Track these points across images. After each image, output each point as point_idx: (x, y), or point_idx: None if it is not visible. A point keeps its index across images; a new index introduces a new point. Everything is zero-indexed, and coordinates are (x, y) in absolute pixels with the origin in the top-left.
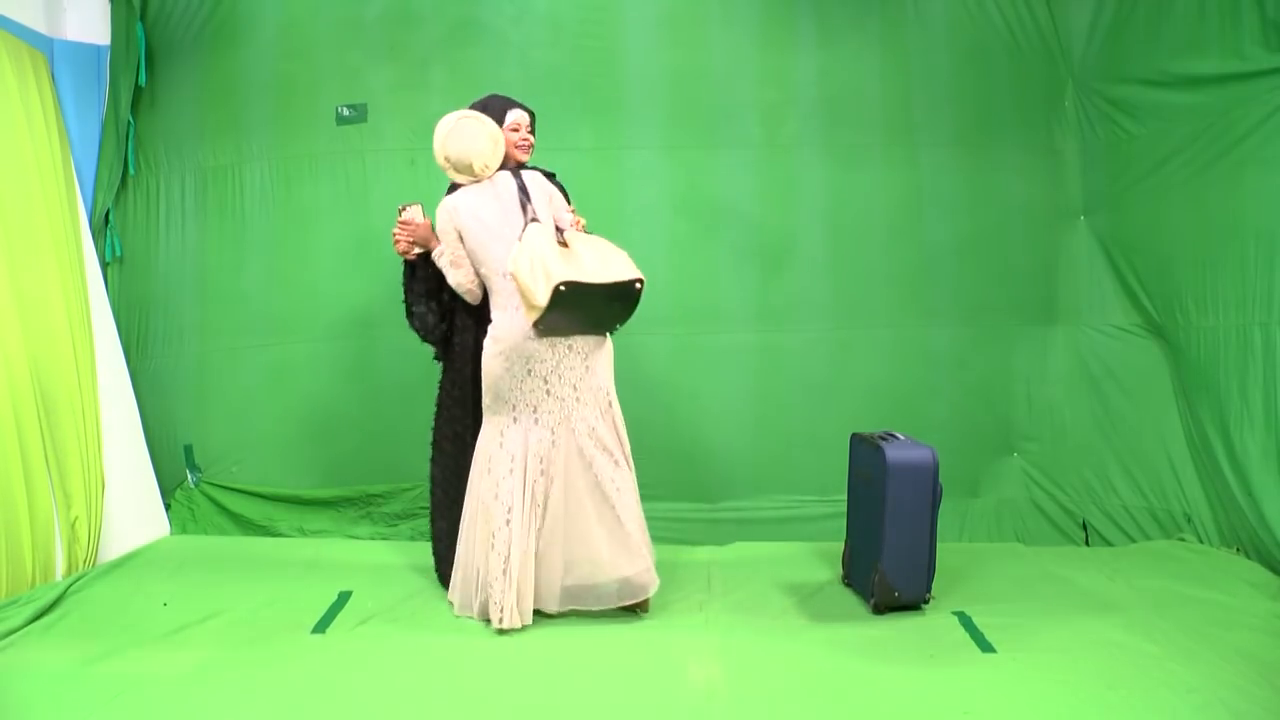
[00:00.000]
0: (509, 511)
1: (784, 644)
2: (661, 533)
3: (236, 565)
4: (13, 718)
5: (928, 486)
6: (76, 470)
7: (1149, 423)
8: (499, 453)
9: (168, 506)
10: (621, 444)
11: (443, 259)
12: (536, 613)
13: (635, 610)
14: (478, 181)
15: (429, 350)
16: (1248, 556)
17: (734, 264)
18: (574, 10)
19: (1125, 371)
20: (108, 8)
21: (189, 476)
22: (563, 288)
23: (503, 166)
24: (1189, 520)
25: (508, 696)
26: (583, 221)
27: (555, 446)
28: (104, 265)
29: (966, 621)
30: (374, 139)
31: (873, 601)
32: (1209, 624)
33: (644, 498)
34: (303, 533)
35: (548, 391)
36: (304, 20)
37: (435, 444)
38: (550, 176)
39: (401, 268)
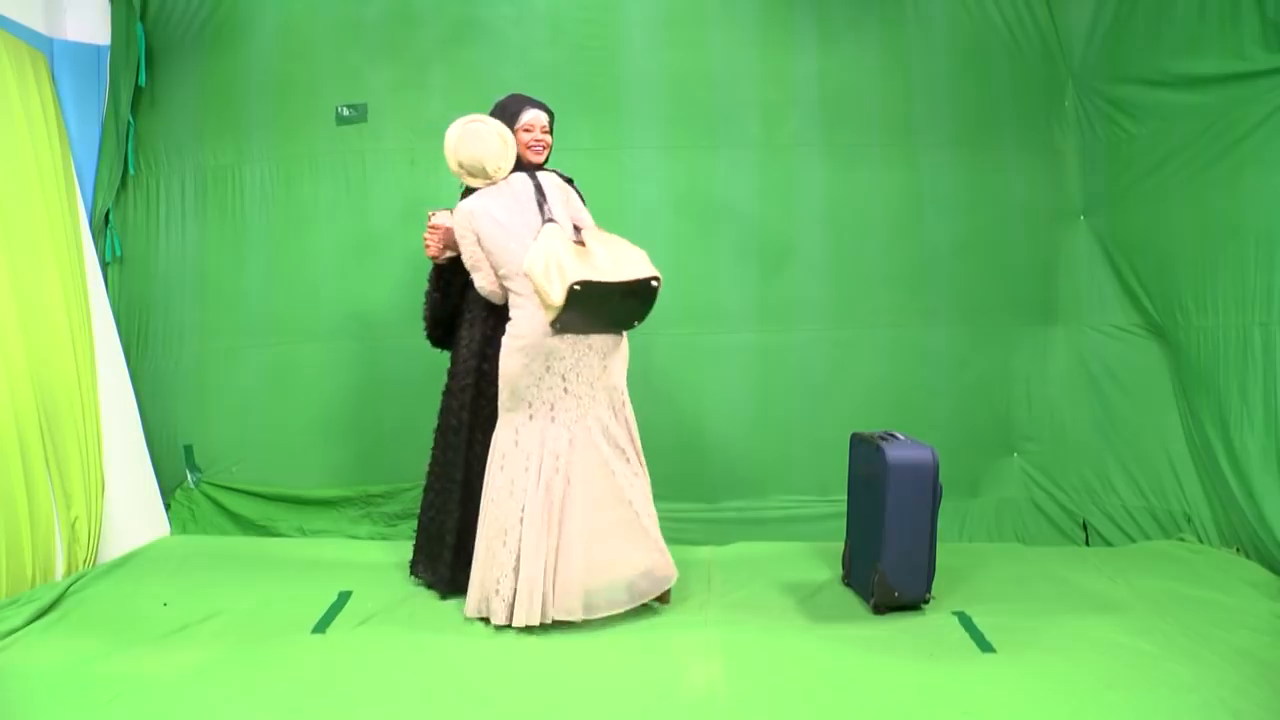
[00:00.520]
0: (523, 510)
1: (784, 644)
2: (662, 532)
3: (236, 565)
4: (13, 717)
5: (928, 486)
6: (76, 470)
7: (1149, 423)
8: (514, 450)
9: (168, 506)
10: (634, 442)
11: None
12: (557, 624)
13: (659, 602)
14: (493, 184)
15: (428, 350)
16: (1248, 556)
17: (734, 264)
18: (574, 10)
19: (1125, 371)
20: (108, 8)
21: (189, 476)
22: (577, 287)
23: (518, 167)
24: (1189, 520)
25: (508, 696)
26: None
27: (573, 446)
28: (104, 265)
29: (966, 621)
30: (374, 139)
31: (873, 601)
32: (1209, 624)
33: None
34: (303, 533)
35: (565, 390)
36: (304, 20)
37: (437, 431)
38: (569, 181)
39: (428, 271)
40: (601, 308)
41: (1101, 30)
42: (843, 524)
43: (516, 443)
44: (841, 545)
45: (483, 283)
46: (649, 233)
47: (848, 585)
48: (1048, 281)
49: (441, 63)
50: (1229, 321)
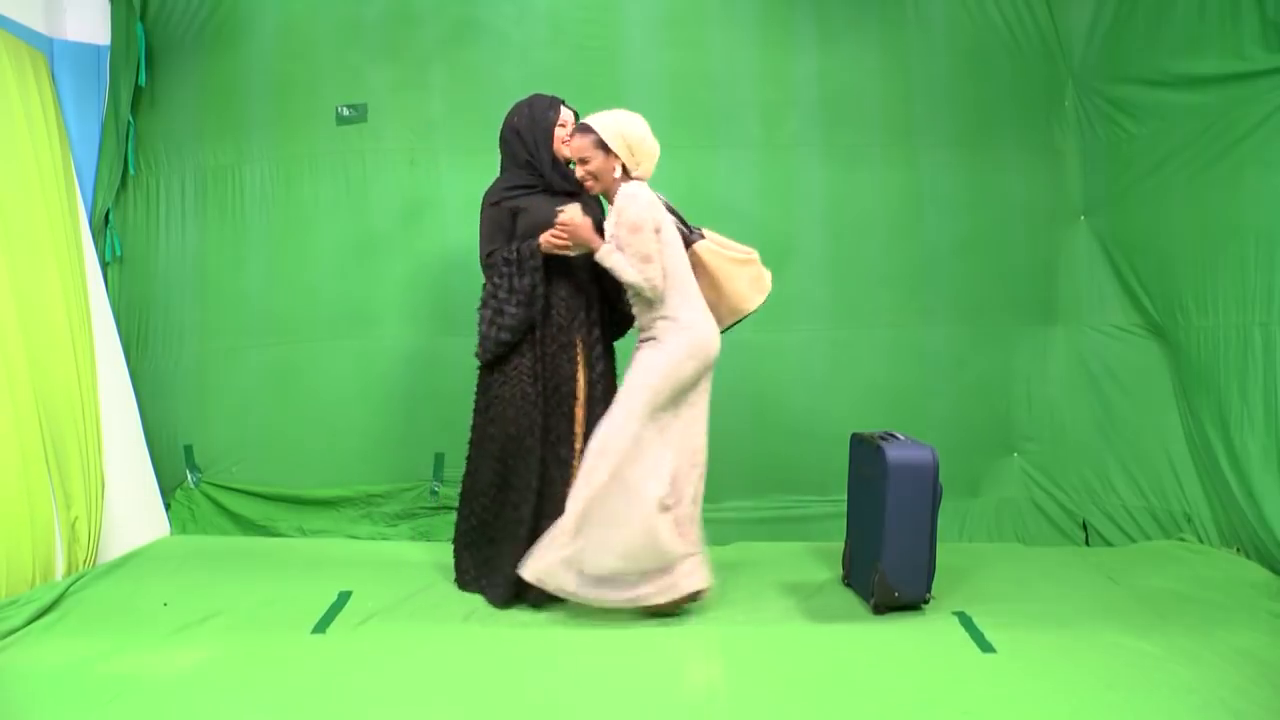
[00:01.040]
0: (678, 504)
1: (784, 644)
2: None
3: (236, 565)
4: (13, 717)
5: (928, 486)
6: (76, 470)
7: (1149, 423)
8: (662, 449)
9: (168, 506)
10: None
11: (614, 256)
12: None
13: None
14: (641, 181)
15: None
16: (1248, 556)
17: None
18: (574, 10)
19: (1125, 371)
20: (108, 8)
21: (189, 476)
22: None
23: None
24: (1189, 520)
25: (508, 695)
26: None
27: (704, 438)
28: (104, 265)
29: (966, 621)
30: (374, 139)
31: (873, 601)
32: (1209, 624)
33: None
34: (303, 533)
35: (705, 390)
36: (304, 20)
37: (487, 440)
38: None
39: (483, 272)
40: None
41: (1101, 30)
42: (843, 524)
43: (664, 441)
44: (841, 545)
45: (651, 274)
46: None
47: (848, 585)
48: (1048, 281)
49: (441, 63)
50: (1229, 321)
